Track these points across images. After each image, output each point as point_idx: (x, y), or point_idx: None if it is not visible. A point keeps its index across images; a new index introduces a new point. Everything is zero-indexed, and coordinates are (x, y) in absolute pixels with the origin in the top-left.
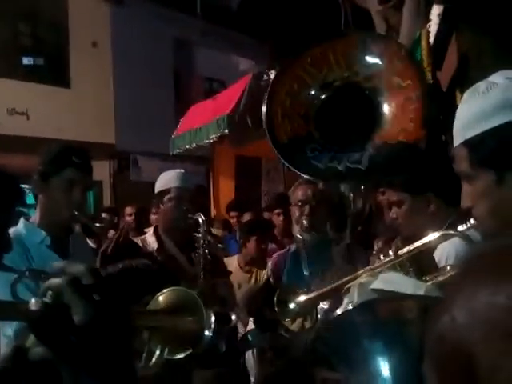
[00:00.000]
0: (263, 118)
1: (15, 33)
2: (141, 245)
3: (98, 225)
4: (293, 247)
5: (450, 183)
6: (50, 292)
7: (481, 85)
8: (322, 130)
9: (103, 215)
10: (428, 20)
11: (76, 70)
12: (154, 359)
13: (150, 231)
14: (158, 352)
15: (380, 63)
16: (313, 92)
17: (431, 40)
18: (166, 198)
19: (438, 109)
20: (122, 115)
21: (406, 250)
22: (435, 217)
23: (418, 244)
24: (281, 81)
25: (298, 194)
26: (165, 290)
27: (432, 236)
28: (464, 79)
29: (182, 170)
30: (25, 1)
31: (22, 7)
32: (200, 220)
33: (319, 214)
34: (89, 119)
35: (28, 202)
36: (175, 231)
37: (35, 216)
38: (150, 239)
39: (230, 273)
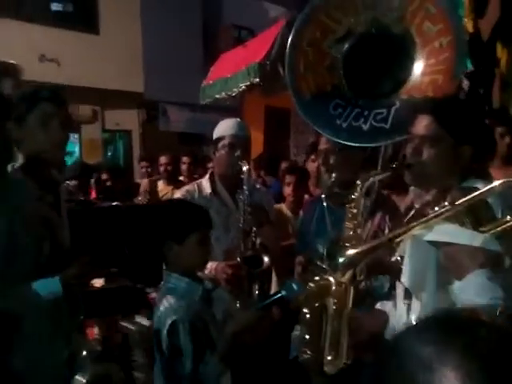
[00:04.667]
0: (286, 72)
1: None
2: (196, 189)
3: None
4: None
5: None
6: None
7: None
8: (349, 82)
9: (142, 163)
10: None
11: (105, 16)
12: None
13: (206, 175)
14: None
15: (409, 4)
16: (338, 39)
17: None
18: (220, 145)
19: (478, 60)
20: (150, 63)
21: (461, 200)
22: (460, 169)
23: (475, 193)
24: (302, 29)
25: (323, 141)
26: None
27: (493, 184)
28: (507, 30)
29: (238, 119)
30: None
31: None
32: (244, 169)
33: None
34: (117, 67)
35: None
36: (226, 177)
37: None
38: (205, 184)
39: (271, 222)
